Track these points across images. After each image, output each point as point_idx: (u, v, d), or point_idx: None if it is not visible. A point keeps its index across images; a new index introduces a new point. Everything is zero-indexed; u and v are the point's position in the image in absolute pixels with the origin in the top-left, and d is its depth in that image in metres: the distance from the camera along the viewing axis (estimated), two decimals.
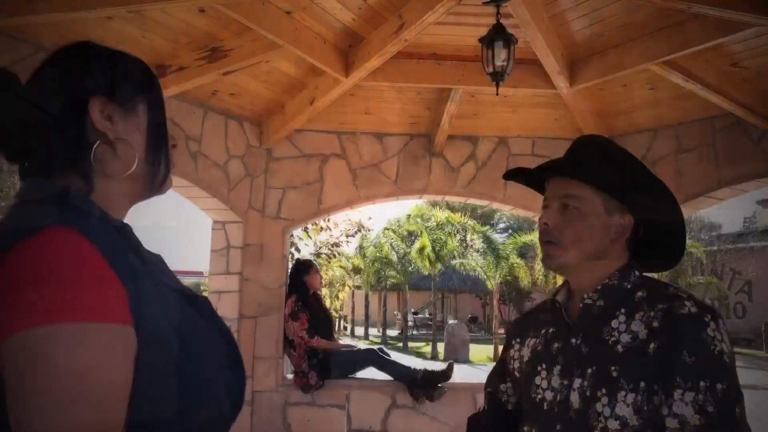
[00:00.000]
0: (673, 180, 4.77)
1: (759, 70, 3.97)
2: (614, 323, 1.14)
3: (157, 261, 0.92)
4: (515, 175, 1.34)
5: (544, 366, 1.21)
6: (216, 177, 4.68)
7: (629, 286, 1.18)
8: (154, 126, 0.92)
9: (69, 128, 0.84)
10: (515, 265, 20.62)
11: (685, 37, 3.62)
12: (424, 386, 4.76)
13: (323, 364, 4.84)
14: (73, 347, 0.66)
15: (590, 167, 1.22)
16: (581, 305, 1.20)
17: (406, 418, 4.92)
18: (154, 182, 0.94)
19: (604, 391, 1.09)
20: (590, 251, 1.19)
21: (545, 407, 1.17)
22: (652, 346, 1.07)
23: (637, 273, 1.20)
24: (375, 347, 5.17)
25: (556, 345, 1.21)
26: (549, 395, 1.17)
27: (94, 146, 0.85)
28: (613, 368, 1.09)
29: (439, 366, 5.07)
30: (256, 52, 3.83)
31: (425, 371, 4.84)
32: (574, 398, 1.13)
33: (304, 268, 5.16)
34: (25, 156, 0.86)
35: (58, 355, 0.66)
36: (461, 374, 5.98)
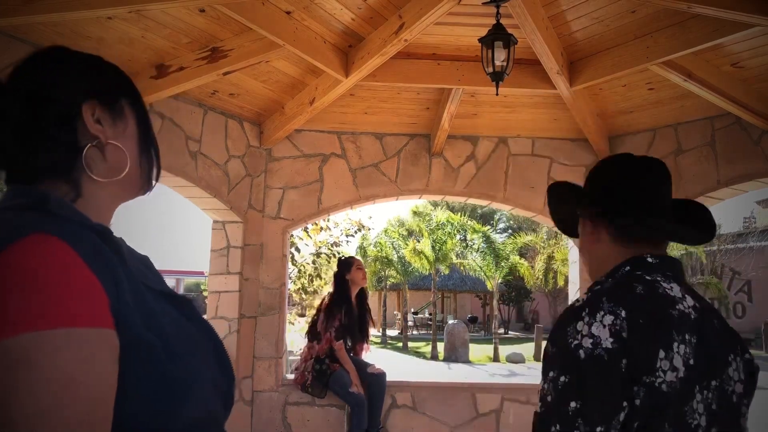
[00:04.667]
0: (673, 180, 4.77)
1: (759, 70, 3.97)
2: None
3: (141, 262, 0.93)
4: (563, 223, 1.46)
5: None
6: (216, 177, 4.68)
7: (600, 285, 1.18)
8: (142, 129, 0.94)
9: (60, 133, 0.84)
10: (518, 264, 20.63)
11: (685, 37, 3.62)
12: None
13: (321, 377, 4.65)
14: (57, 353, 0.66)
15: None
16: None
17: (406, 418, 4.93)
18: (142, 184, 0.95)
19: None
20: (592, 267, 1.30)
21: None
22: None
23: (627, 268, 1.18)
24: (365, 401, 4.64)
25: None
26: None
27: (85, 149, 0.85)
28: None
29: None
30: (256, 52, 3.83)
31: None
32: None
33: (344, 265, 4.85)
34: (11, 161, 0.85)
35: (43, 362, 0.65)
36: (461, 374, 5.97)
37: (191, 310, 0.91)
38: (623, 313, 1.04)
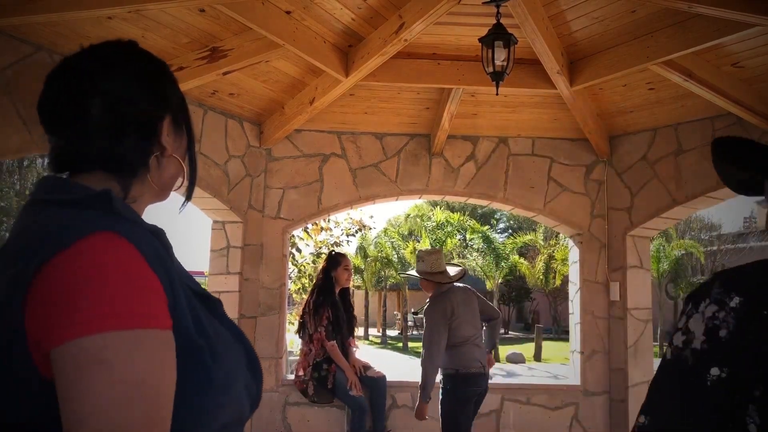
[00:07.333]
0: (673, 180, 4.78)
1: (759, 70, 3.97)
2: None
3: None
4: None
5: None
6: (216, 177, 4.68)
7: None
8: (191, 144, 0.98)
9: (139, 135, 0.86)
10: (518, 264, 20.60)
11: (685, 37, 3.62)
12: None
13: (323, 383, 4.60)
14: (130, 354, 0.67)
15: None
16: None
17: (406, 418, 4.92)
18: (168, 192, 0.98)
19: None
20: None
21: None
22: None
23: None
24: (367, 405, 4.63)
25: None
26: None
27: (152, 157, 0.88)
28: None
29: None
30: (256, 52, 3.83)
31: None
32: None
33: (332, 262, 4.83)
34: (82, 143, 0.84)
35: (116, 362, 0.66)
36: None
37: (222, 311, 0.92)
38: (734, 302, 0.71)
